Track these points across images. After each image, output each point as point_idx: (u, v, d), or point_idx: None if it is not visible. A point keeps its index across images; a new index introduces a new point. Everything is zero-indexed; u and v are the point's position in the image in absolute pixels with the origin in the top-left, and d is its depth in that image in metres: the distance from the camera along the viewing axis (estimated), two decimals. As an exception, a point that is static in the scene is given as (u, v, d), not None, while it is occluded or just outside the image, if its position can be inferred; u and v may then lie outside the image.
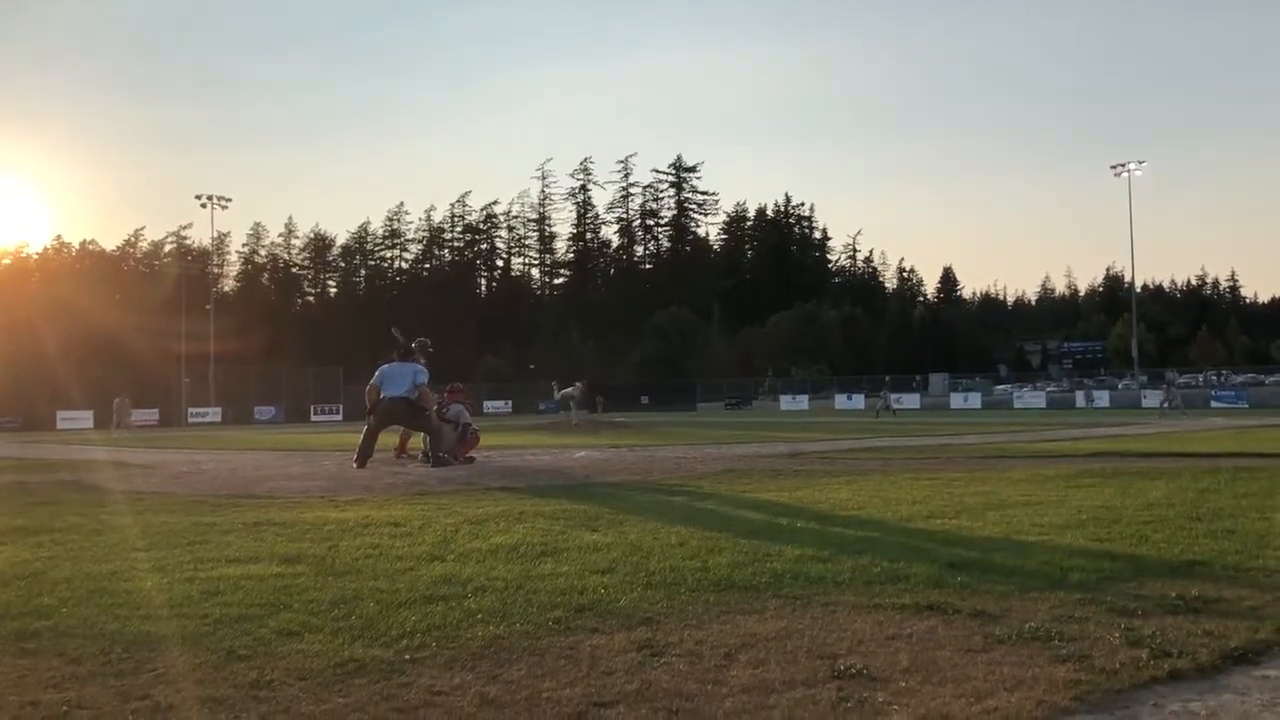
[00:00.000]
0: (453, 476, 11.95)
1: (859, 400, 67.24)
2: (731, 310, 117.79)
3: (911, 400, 66.11)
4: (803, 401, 71.95)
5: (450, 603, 4.73)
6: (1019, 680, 3.43)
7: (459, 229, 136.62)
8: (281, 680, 3.52)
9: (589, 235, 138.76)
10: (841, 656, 3.75)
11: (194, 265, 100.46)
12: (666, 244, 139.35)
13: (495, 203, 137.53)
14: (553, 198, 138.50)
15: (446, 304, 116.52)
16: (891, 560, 5.65)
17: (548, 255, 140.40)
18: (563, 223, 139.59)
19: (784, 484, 10.85)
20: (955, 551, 5.98)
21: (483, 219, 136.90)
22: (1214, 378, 76.15)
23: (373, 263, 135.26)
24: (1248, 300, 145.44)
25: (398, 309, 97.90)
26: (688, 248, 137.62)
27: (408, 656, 3.82)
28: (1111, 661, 3.63)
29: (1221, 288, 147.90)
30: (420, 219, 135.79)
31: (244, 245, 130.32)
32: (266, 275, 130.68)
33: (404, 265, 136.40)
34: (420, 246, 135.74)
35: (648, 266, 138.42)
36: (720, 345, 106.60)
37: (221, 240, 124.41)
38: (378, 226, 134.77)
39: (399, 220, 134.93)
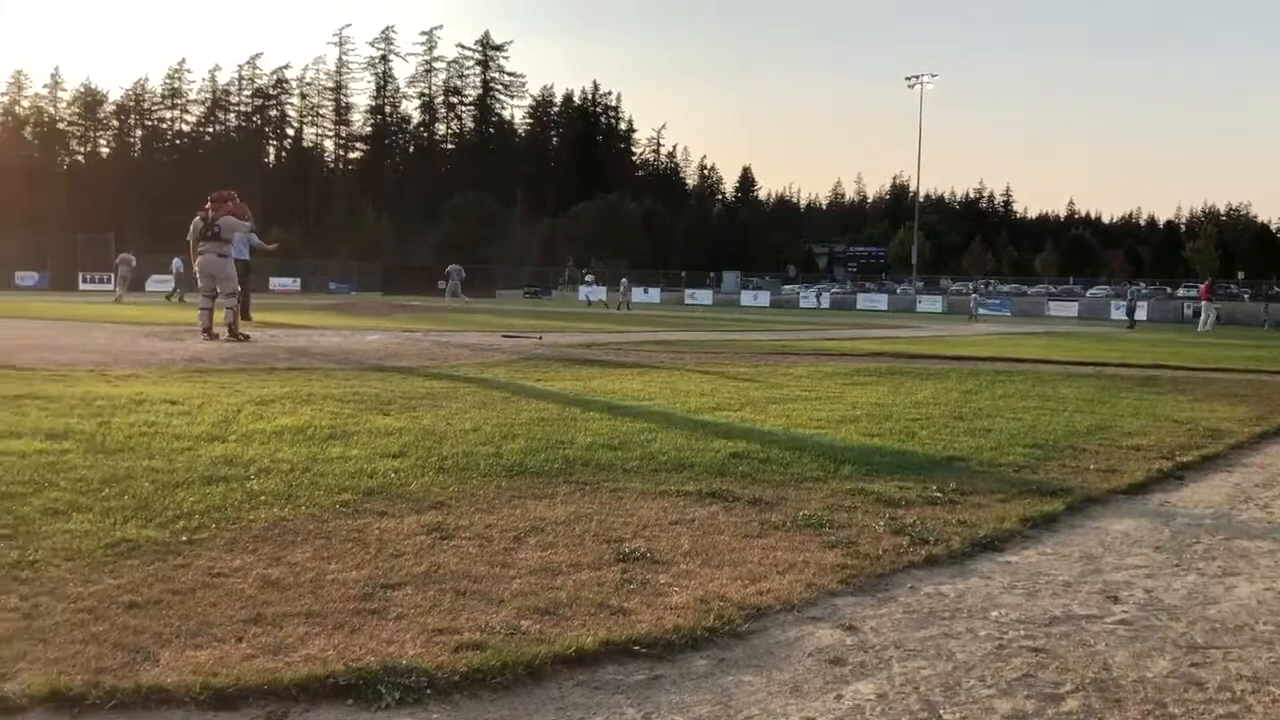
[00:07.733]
0: (234, 355, 11.47)
1: (655, 294, 68.65)
2: (534, 198, 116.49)
3: (705, 296, 68.24)
4: (600, 293, 72.66)
5: (231, 484, 4.53)
6: (791, 564, 3.64)
7: (247, 92, 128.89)
8: (47, 560, 3.32)
9: (388, 109, 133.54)
10: (627, 540, 3.87)
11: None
12: (470, 124, 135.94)
13: (287, 66, 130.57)
14: (350, 66, 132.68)
15: (231, 171, 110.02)
16: (678, 449, 5.83)
17: (343, 127, 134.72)
18: (360, 94, 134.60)
19: (578, 373, 10.95)
20: (738, 443, 6.22)
21: (273, 83, 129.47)
22: (982, 286, 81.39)
23: (150, 123, 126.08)
24: (1018, 215, 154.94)
25: (177, 174, 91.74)
26: (492, 129, 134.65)
27: (185, 538, 3.66)
28: (876, 548, 3.89)
29: (996, 202, 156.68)
30: (204, 79, 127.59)
31: (3, 94, 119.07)
32: (30, 130, 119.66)
33: (185, 128, 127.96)
34: (203, 108, 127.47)
35: (449, 146, 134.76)
36: (521, 232, 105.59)
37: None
38: (156, 84, 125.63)
39: (180, 79, 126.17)
